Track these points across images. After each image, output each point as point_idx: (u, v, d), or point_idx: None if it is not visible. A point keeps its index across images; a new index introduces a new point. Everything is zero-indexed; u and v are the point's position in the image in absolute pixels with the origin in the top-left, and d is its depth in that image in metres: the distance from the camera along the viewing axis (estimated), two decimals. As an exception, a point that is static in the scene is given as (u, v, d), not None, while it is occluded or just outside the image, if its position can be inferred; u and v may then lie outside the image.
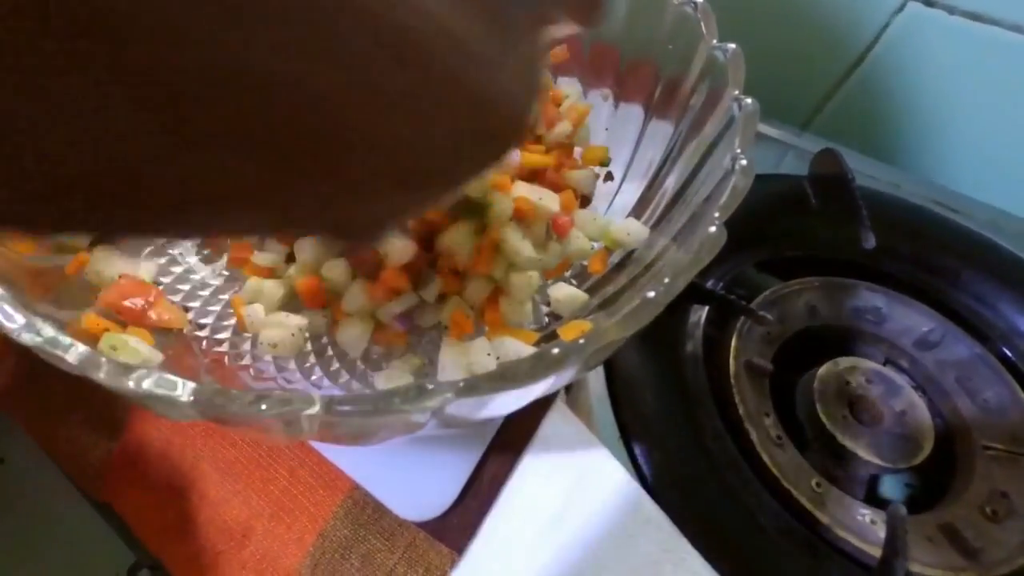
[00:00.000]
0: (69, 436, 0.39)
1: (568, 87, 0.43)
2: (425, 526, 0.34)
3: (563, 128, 0.38)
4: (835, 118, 0.61)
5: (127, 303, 0.28)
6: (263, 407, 0.17)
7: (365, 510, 0.35)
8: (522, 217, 0.32)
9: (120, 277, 0.30)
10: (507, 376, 0.18)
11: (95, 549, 0.61)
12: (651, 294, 0.20)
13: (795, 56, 0.60)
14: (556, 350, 0.18)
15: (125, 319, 0.28)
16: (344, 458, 0.35)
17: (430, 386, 0.17)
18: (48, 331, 0.18)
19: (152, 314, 0.29)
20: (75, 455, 0.39)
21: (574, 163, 0.40)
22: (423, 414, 0.18)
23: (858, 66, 0.57)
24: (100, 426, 0.39)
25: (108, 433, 0.39)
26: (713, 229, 0.22)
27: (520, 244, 0.31)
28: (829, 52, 0.58)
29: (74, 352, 0.17)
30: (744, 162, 0.25)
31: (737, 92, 0.29)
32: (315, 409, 0.17)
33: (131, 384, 0.16)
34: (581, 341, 0.18)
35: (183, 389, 0.16)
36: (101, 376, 0.17)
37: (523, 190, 0.32)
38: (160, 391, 0.16)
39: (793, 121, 0.63)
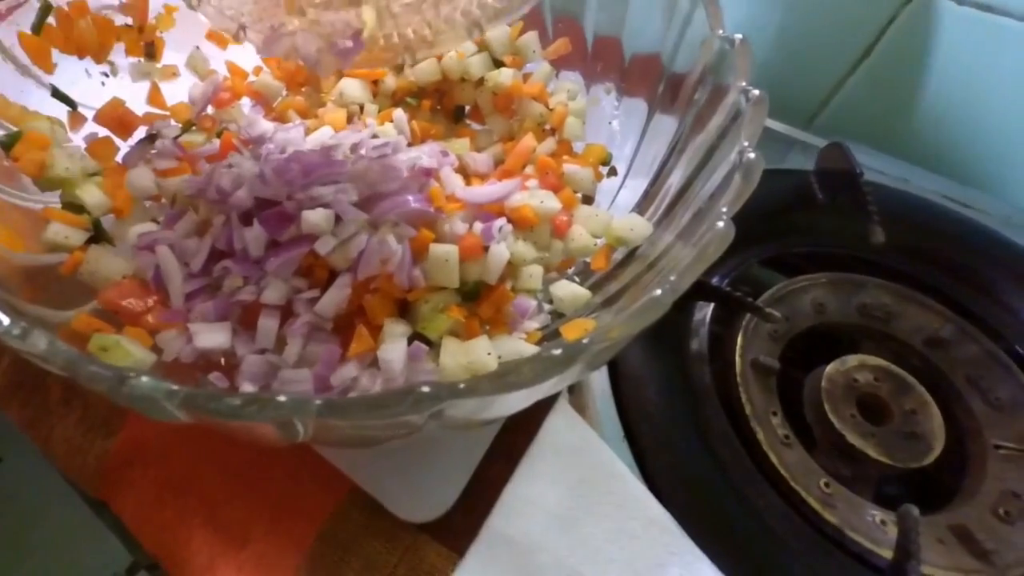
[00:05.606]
0: (65, 434, 0.39)
1: (569, 82, 0.42)
2: (426, 527, 0.34)
3: (547, 146, 0.38)
4: (841, 112, 0.60)
5: (126, 303, 0.28)
6: (255, 410, 0.16)
7: (365, 511, 0.34)
8: (526, 225, 0.31)
9: (124, 277, 0.29)
10: (509, 378, 0.17)
11: (92, 549, 0.60)
12: (657, 292, 0.20)
13: (799, 49, 0.59)
14: (559, 351, 0.17)
15: (123, 320, 0.28)
16: (344, 459, 0.35)
17: (427, 389, 0.16)
18: (32, 334, 0.17)
19: (151, 316, 0.28)
20: (72, 453, 0.38)
21: (574, 156, 0.39)
22: (420, 416, 0.18)
23: (865, 59, 0.56)
24: (97, 424, 0.39)
25: (105, 431, 0.38)
26: (721, 224, 0.22)
27: (523, 250, 0.30)
28: (835, 45, 0.57)
29: (58, 355, 0.17)
30: (752, 155, 0.24)
31: (744, 83, 0.28)
32: (309, 412, 0.16)
33: (111, 388, 0.15)
34: (585, 341, 0.18)
35: (169, 394, 0.16)
36: (84, 380, 0.16)
37: (523, 197, 0.31)
38: (146, 395, 0.15)
39: (798, 116, 0.62)
